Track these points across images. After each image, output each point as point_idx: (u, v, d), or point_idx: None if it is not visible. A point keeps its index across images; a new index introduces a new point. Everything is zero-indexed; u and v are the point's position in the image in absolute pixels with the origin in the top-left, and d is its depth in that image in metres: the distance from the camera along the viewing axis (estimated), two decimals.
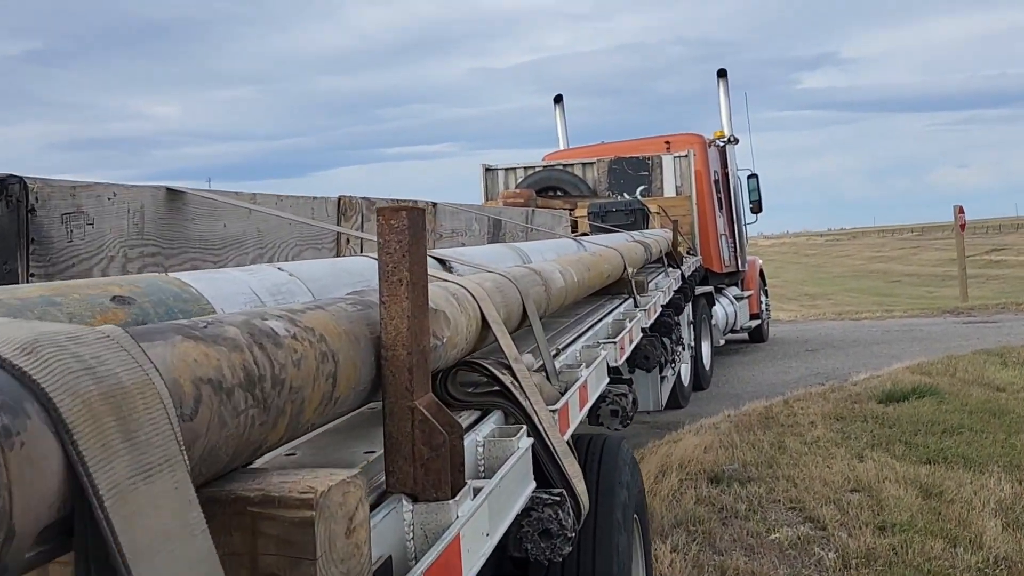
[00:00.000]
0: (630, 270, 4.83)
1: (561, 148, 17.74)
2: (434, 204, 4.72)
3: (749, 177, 18.51)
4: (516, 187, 14.40)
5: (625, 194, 14.19)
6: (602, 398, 3.75)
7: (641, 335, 4.82)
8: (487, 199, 14.45)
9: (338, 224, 3.90)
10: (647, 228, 11.49)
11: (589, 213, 12.50)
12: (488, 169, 15.01)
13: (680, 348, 9.30)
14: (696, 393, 13.70)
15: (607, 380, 3.76)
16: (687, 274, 9.54)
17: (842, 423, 11.01)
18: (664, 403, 8.14)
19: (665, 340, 7.17)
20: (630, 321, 4.79)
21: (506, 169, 15.05)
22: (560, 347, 3.57)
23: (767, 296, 20.06)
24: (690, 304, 11.55)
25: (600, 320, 4.72)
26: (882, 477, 8.53)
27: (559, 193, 14.61)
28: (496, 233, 5.93)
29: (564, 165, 15.11)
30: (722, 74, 17.09)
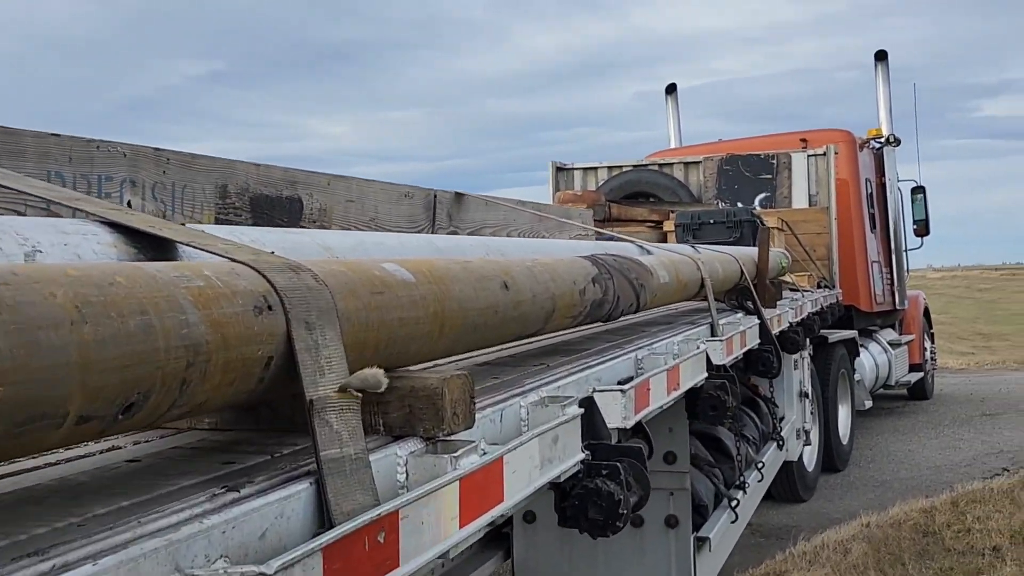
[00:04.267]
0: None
1: (672, 147, 14.25)
2: None
3: (914, 190, 14.58)
4: (598, 190, 11.05)
5: (739, 203, 10.62)
6: None
7: None
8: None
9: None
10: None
11: (677, 225, 9.07)
12: (560, 168, 11.65)
13: (769, 444, 5.79)
14: (827, 477, 9.99)
15: None
16: (790, 321, 5.87)
17: None
18: None
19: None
20: None
21: (584, 169, 11.66)
22: None
23: (932, 341, 15.94)
24: (804, 363, 7.83)
25: None
26: None
27: (652, 200, 11.16)
28: None
29: (661, 165, 11.63)
30: (881, 56, 13.29)
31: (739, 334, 4.04)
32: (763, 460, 5.31)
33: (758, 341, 4.57)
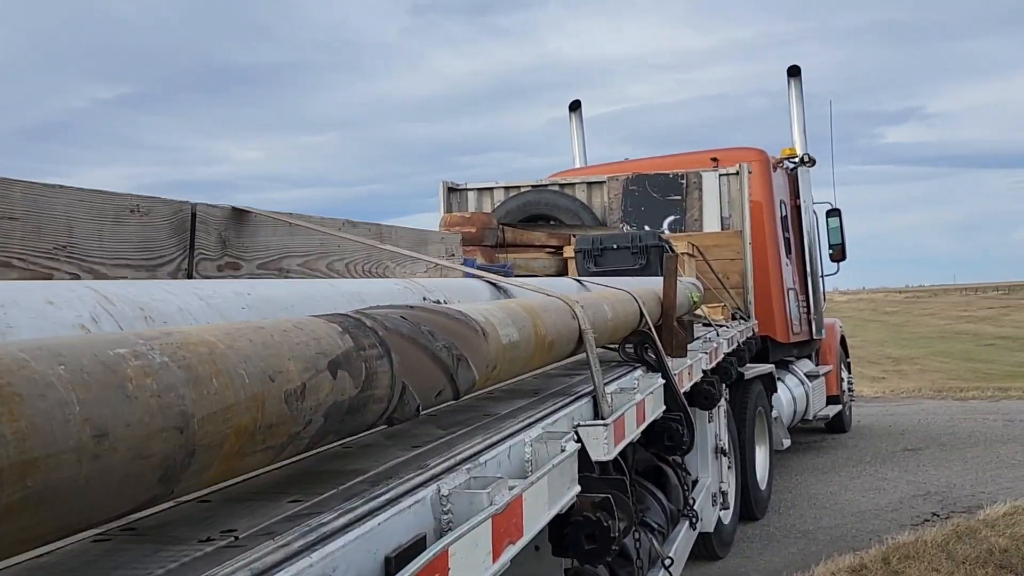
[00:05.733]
0: None
1: (576, 167, 13.32)
2: None
3: (829, 213, 13.88)
4: (492, 212, 10.03)
5: (647, 226, 9.70)
6: None
7: None
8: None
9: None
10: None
11: (577, 251, 8.08)
12: (453, 189, 10.59)
13: (680, 524, 4.74)
14: (744, 526, 9.06)
15: None
16: (704, 369, 4.78)
17: None
18: None
19: None
20: None
21: (479, 189, 10.62)
22: None
23: (849, 371, 15.23)
24: (720, 413, 6.80)
25: None
26: None
27: (552, 223, 10.17)
28: None
29: (562, 185, 10.64)
30: (794, 72, 12.54)
31: (634, 407, 2.88)
32: (671, 554, 4.16)
33: (663, 408, 3.44)
